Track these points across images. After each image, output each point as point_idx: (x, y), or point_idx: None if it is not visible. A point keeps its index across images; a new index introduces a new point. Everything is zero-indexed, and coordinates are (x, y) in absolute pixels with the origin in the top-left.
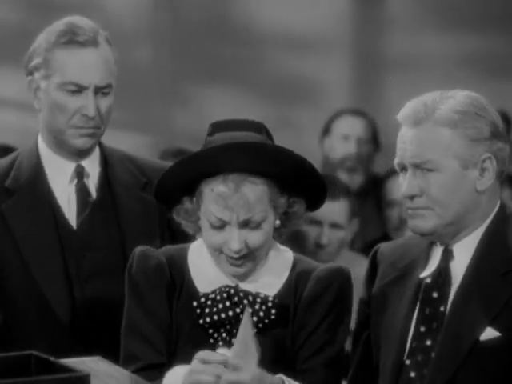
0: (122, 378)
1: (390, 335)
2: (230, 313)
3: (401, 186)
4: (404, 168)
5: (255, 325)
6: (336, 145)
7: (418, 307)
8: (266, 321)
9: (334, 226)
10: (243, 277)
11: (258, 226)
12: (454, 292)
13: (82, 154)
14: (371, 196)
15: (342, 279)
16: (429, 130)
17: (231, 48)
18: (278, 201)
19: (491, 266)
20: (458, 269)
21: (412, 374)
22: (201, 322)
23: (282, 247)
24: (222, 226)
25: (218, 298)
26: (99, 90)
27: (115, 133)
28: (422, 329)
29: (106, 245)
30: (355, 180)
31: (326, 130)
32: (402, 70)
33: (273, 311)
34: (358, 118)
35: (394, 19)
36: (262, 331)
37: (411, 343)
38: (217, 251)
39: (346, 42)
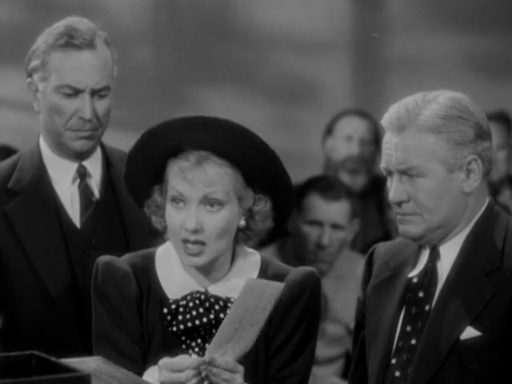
0: (123, 377)
1: (379, 334)
2: (204, 319)
3: (388, 191)
4: (390, 173)
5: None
6: (338, 145)
7: (404, 307)
8: None
9: (335, 226)
10: (207, 275)
11: (217, 207)
12: (438, 291)
13: (82, 155)
14: (373, 197)
15: (314, 283)
16: (412, 136)
17: (232, 48)
18: (244, 192)
19: (475, 266)
20: (444, 268)
21: (397, 374)
22: (174, 329)
23: (249, 250)
24: (182, 201)
25: (191, 304)
26: (96, 93)
27: (115, 133)
28: (408, 328)
29: (110, 243)
30: (357, 181)
31: (329, 131)
32: (402, 71)
33: None
34: (361, 118)
35: (394, 20)
36: None
37: (397, 342)
38: (178, 238)
39: (347, 43)
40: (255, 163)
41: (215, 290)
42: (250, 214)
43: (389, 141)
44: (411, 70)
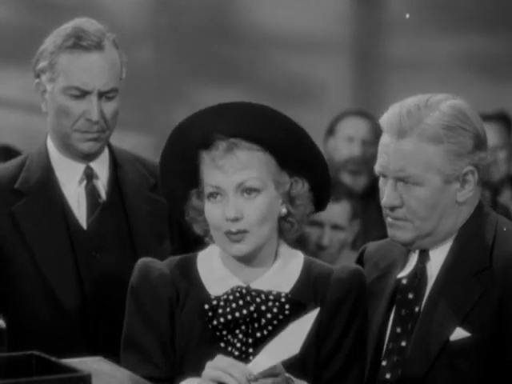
0: (124, 377)
1: (369, 336)
2: (244, 311)
3: (380, 191)
4: (385, 176)
5: (270, 322)
6: (340, 146)
7: (394, 308)
8: (281, 317)
9: (335, 227)
10: (251, 274)
11: (255, 194)
12: (428, 293)
13: (89, 157)
14: (374, 197)
15: (361, 281)
16: (413, 144)
17: (232, 48)
18: (279, 175)
19: (464, 266)
20: (434, 269)
21: (387, 376)
22: (214, 323)
23: (293, 249)
24: (218, 194)
25: (231, 297)
26: (103, 95)
27: (116, 133)
28: (398, 330)
29: (116, 245)
30: (359, 182)
31: (330, 131)
32: (402, 71)
33: (287, 306)
34: (362, 119)
35: (394, 20)
36: (278, 329)
37: (387, 344)
38: (219, 231)
39: (346, 43)
40: (286, 144)
41: (257, 285)
42: (289, 199)
43: (387, 144)
44: (411, 70)
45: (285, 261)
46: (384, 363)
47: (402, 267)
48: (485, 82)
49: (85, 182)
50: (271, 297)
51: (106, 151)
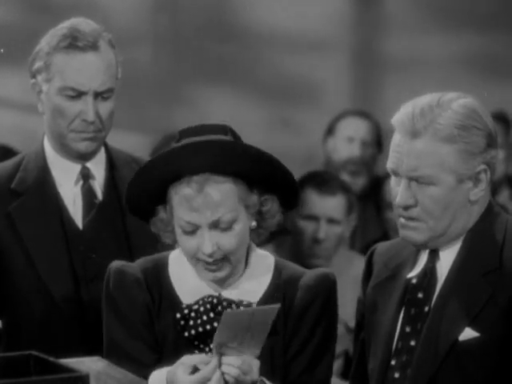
0: (121, 377)
1: (378, 335)
2: (215, 324)
3: (392, 190)
4: (397, 174)
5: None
6: (340, 146)
7: (404, 307)
8: None
9: (331, 221)
10: (223, 282)
11: (228, 227)
12: (437, 292)
13: (86, 157)
14: (373, 198)
15: (329, 286)
16: (426, 144)
17: (231, 49)
18: (249, 199)
19: (474, 266)
20: (444, 269)
21: (396, 375)
22: (186, 334)
23: (262, 251)
24: (193, 230)
25: (202, 309)
26: (99, 95)
27: (114, 133)
28: (408, 329)
29: (112, 245)
30: (358, 182)
31: (330, 131)
32: (400, 70)
33: None
34: (362, 119)
35: (393, 19)
36: None
37: (397, 344)
38: (193, 258)
39: (345, 43)
40: (254, 170)
41: (229, 294)
42: (259, 216)
43: (400, 144)
44: (410, 70)
45: (255, 268)
46: (393, 362)
47: (412, 267)
48: (484, 81)
49: (81, 183)
50: (241, 307)
51: (103, 151)
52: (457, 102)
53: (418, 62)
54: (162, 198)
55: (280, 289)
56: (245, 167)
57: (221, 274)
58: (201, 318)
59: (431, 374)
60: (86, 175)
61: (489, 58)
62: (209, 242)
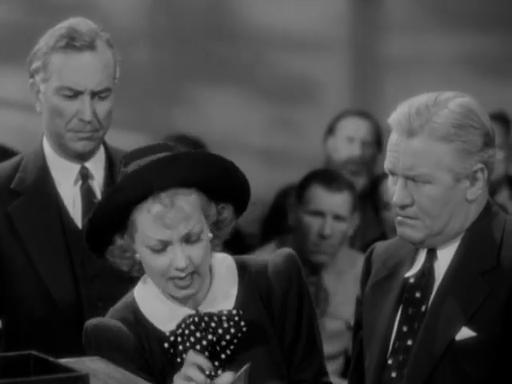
0: (121, 377)
1: (376, 335)
2: (204, 342)
3: (389, 189)
4: (394, 174)
5: (230, 342)
6: (340, 146)
7: (401, 307)
8: (239, 334)
9: (337, 217)
10: (196, 299)
11: (197, 238)
12: (435, 292)
13: (84, 156)
14: (372, 198)
15: (297, 264)
16: (423, 143)
17: (230, 48)
18: (209, 209)
19: (471, 266)
20: (441, 268)
21: (393, 374)
22: (178, 360)
23: (218, 255)
24: (163, 247)
25: (187, 331)
26: (96, 94)
27: (113, 132)
28: (405, 328)
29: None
30: (358, 182)
31: (330, 131)
32: (400, 70)
33: (242, 323)
34: (362, 119)
35: (392, 19)
36: (239, 345)
37: (394, 343)
38: (163, 278)
39: (345, 42)
40: (213, 176)
41: (205, 307)
42: (215, 226)
43: (397, 143)
44: (410, 70)
45: (220, 272)
46: (390, 362)
47: (410, 266)
48: (484, 81)
49: (80, 182)
50: (224, 317)
51: (102, 151)
52: (454, 101)
53: (418, 61)
54: (118, 226)
55: (251, 284)
56: (214, 176)
57: (191, 291)
58: (188, 340)
59: (427, 374)
60: (85, 175)
61: (489, 57)
62: (182, 256)
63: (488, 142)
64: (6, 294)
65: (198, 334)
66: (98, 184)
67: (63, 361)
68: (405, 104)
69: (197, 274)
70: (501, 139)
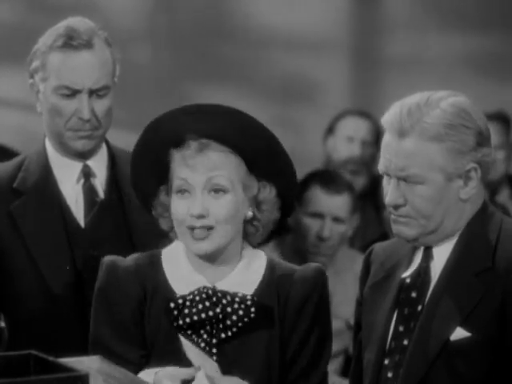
0: (122, 377)
1: (373, 335)
2: (210, 313)
3: (384, 190)
4: (388, 175)
5: (235, 324)
6: (340, 146)
7: (398, 307)
8: (246, 319)
9: (336, 219)
10: (216, 274)
11: (221, 190)
12: (430, 292)
13: (84, 155)
14: (372, 198)
15: (323, 279)
16: (414, 143)
17: (230, 48)
18: (247, 179)
19: (467, 266)
20: (437, 268)
21: (389, 375)
22: (180, 322)
23: (255, 250)
24: (186, 190)
25: (197, 298)
26: (94, 93)
27: (114, 132)
28: (401, 328)
29: (114, 243)
30: (357, 182)
31: (330, 130)
32: (400, 70)
33: (252, 309)
34: (362, 119)
35: (393, 19)
36: (242, 330)
37: (390, 343)
38: (182, 226)
39: (345, 42)
40: (257, 148)
41: (223, 285)
42: (256, 203)
43: (389, 144)
44: (410, 70)
45: (248, 262)
46: (386, 362)
47: (407, 267)
48: (484, 81)
49: (82, 181)
50: (237, 299)
51: (104, 149)
52: (446, 101)
53: (418, 61)
54: (164, 180)
55: (273, 284)
56: (247, 140)
57: (206, 246)
58: (196, 306)
59: (422, 374)
60: (87, 173)
61: (489, 57)
62: (199, 203)
63: (481, 142)
64: (7, 293)
65: (207, 303)
66: (100, 182)
67: (63, 360)
68: (397, 104)
69: (214, 232)
70: (501, 139)
